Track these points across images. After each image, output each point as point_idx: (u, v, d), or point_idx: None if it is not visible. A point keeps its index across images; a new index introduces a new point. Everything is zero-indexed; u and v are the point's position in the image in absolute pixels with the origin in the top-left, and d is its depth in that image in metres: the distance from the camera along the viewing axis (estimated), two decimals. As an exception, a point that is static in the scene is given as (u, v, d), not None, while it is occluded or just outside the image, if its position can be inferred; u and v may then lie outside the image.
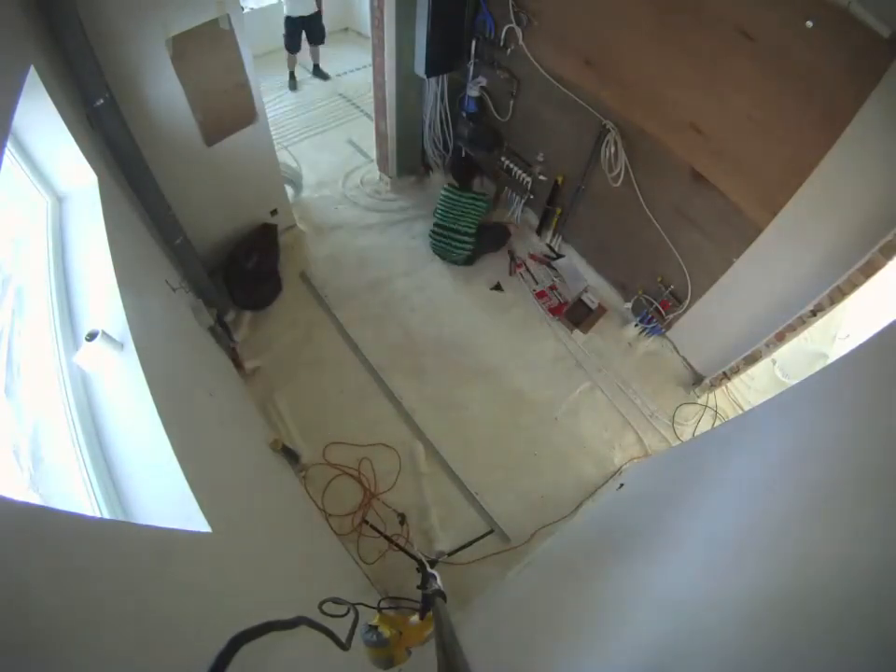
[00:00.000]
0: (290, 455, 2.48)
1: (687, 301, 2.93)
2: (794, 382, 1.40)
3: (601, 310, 3.43)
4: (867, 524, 0.66)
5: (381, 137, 3.83)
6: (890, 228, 1.90)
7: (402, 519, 2.43)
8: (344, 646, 0.81)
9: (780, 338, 2.59)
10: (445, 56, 3.15)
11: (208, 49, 2.29)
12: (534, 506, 2.59)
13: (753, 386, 3.20)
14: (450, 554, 2.19)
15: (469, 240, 3.43)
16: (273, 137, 3.04)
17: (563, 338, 3.26)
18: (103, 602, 0.73)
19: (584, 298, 3.45)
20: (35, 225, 1.64)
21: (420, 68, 3.13)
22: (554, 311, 3.39)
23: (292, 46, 4.61)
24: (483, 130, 3.57)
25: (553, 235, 3.66)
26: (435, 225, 3.50)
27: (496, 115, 3.48)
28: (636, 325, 3.26)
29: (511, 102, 3.32)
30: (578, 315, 3.40)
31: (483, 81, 3.36)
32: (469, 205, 3.49)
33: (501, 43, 3.06)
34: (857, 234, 2.01)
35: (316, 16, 4.51)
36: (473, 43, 3.23)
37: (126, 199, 2.16)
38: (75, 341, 1.37)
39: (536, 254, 3.67)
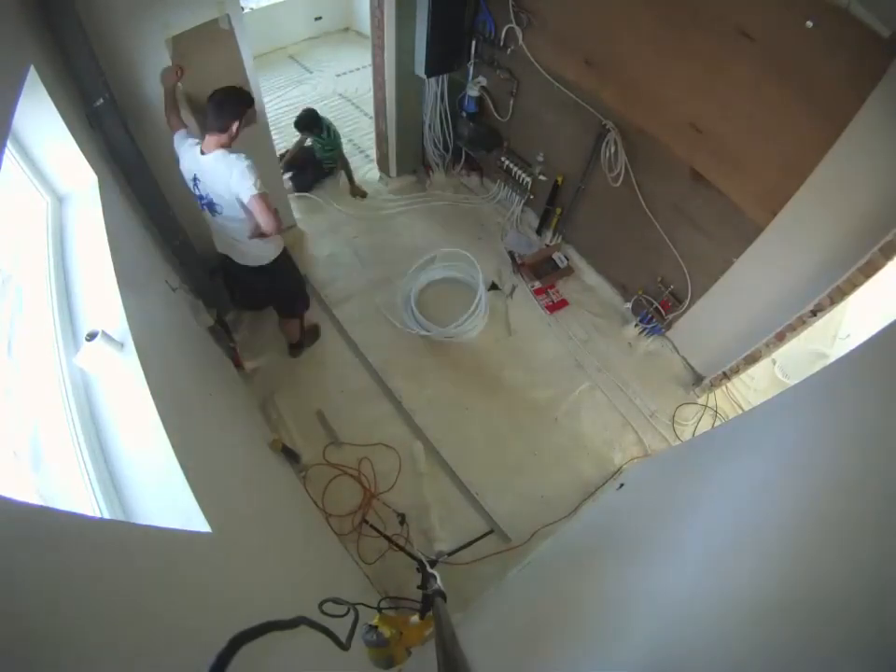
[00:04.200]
0: (290, 455, 2.48)
1: (687, 301, 2.93)
2: (794, 382, 1.40)
3: (569, 270, 3.55)
4: (867, 523, 0.66)
5: (381, 137, 3.83)
6: (890, 228, 1.90)
7: (402, 519, 2.43)
8: (344, 646, 0.81)
9: (780, 338, 2.59)
10: (445, 56, 3.15)
11: (208, 49, 2.29)
12: (534, 506, 2.59)
13: (753, 386, 3.20)
14: (450, 554, 2.19)
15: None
16: (273, 137, 3.04)
17: (562, 338, 3.26)
18: (103, 602, 0.73)
19: (555, 256, 3.54)
20: (35, 225, 1.64)
21: (420, 68, 3.13)
22: (552, 308, 3.40)
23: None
24: (483, 130, 3.58)
25: (554, 235, 3.66)
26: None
27: (496, 115, 3.48)
28: (636, 325, 3.26)
29: (511, 102, 3.32)
30: (543, 270, 3.50)
31: (483, 81, 3.36)
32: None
33: (501, 43, 3.06)
34: (857, 234, 2.01)
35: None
36: (473, 43, 3.23)
37: (126, 199, 2.16)
38: (75, 341, 1.37)
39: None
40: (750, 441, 1.41)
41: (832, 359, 2.06)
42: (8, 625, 0.56)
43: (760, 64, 1.98)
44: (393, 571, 2.32)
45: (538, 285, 3.47)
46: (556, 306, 3.41)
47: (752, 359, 2.80)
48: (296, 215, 3.61)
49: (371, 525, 2.33)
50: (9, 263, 1.50)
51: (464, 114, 3.55)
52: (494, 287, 3.44)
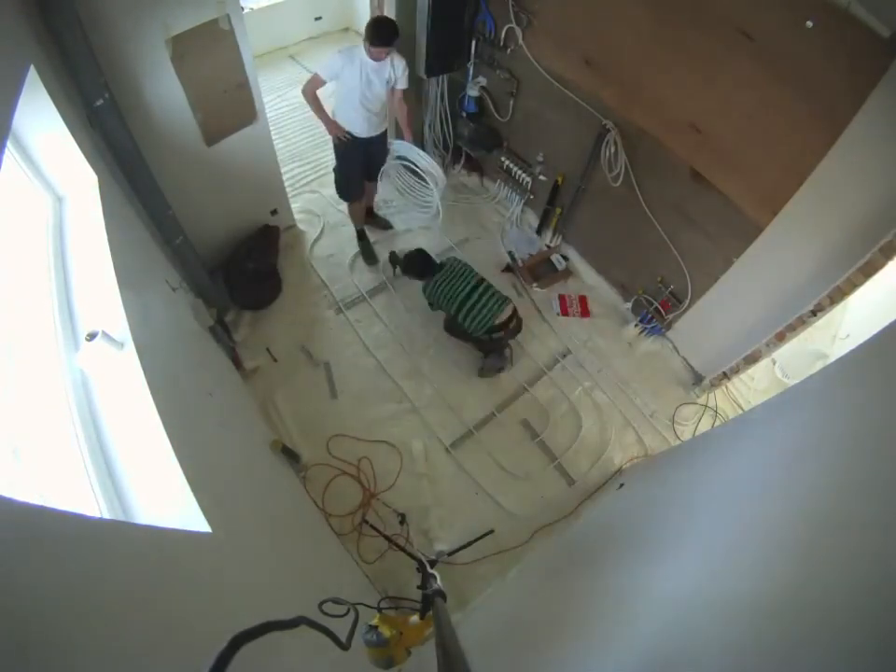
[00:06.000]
0: (290, 455, 2.48)
1: (687, 301, 2.93)
2: (794, 382, 1.40)
3: (566, 272, 3.56)
4: (866, 522, 0.66)
5: (381, 137, 3.82)
6: (890, 228, 1.90)
7: (402, 519, 2.43)
8: (344, 646, 0.81)
9: (780, 338, 2.59)
10: (445, 56, 3.15)
11: (208, 49, 2.28)
12: (534, 506, 2.59)
13: (753, 386, 3.20)
14: (450, 554, 2.19)
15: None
16: (273, 137, 3.04)
17: (563, 337, 3.26)
18: (102, 602, 0.73)
19: (553, 258, 3.54)
20: (35, 225, 1.64)
21: (420, 68, 3.13)
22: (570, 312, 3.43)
23: (350, 189, 3.16)
24: (483, 130, 3.57)
25: (554, 235, 3.66)
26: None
27: (496, 115, 3.48)
28: (636, 325, 3.26)
29: (511, 102, 3.32)
30: (540, 272, 3.52)
31: (482, 81, 3.36)
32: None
33: (501, 43, 3.07)
34: (857, 234, 2.01)
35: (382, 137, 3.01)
36: (473, 43, 3.23)
37: (126, 199, 2.16)
38: (75, 341, 1.37)
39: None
40: (750, 441, 1.41)
41: (832, 359, 2.07)
42: (9, 625, 0.56)
43: (760, 64, 1.98)
44: (393, 571, 2.32)
45: (536, 286, 3.47)
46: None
47: (752, 359, 2.80)
48: (296, 215, 3.61)
49: (371, 525, 2.32)
50: (10, 263, 1.50)
51: (464, 114, 3.55)
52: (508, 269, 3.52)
